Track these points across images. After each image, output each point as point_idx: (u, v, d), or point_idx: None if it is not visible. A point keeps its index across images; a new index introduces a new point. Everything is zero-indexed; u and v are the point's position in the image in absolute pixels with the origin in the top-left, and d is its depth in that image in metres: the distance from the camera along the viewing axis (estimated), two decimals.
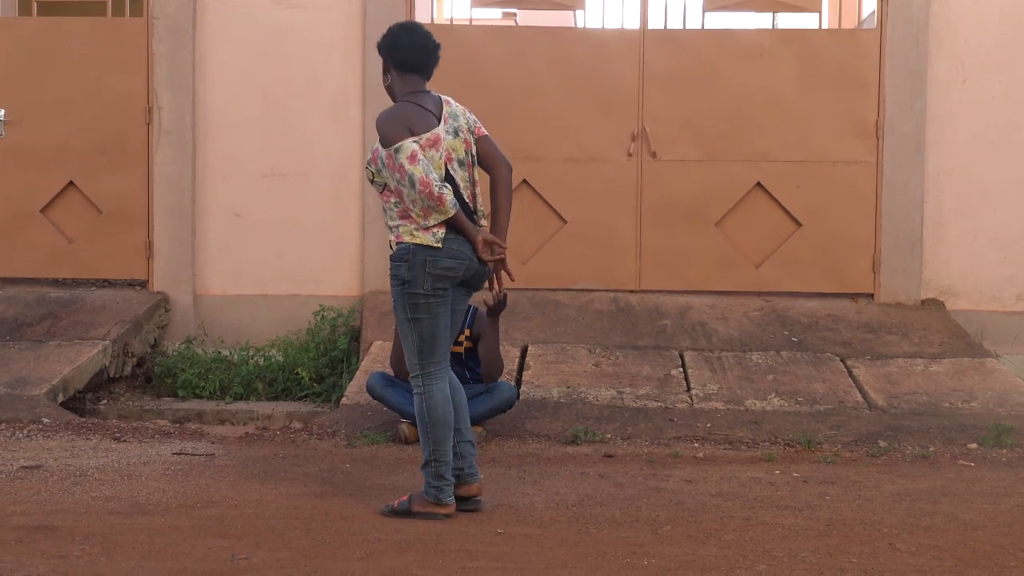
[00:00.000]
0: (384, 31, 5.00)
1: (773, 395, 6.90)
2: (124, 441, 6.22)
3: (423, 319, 4.66)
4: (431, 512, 4.68)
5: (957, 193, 8.46)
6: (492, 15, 12.86)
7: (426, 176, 4.54)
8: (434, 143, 4.64)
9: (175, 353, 8.21)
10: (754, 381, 7.12)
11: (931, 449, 6.12)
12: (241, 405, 7.60)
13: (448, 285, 4.67)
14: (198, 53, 8.56)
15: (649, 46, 8.55)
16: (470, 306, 6.10)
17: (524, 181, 8.57)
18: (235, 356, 8.13)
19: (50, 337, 7.72)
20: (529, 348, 7.61)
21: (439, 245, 4.60)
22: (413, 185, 4.54)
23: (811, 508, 4.91)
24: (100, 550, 4.13)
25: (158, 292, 8.52)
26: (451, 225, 4.63)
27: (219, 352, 8.17)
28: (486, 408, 6.13)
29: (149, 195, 8.55)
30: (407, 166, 4.55)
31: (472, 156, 4.83)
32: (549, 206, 8.60)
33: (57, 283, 8.67)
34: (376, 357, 7.43)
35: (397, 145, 4.59)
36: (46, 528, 4.41)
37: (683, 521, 4.67)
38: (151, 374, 8.13)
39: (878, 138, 8.45)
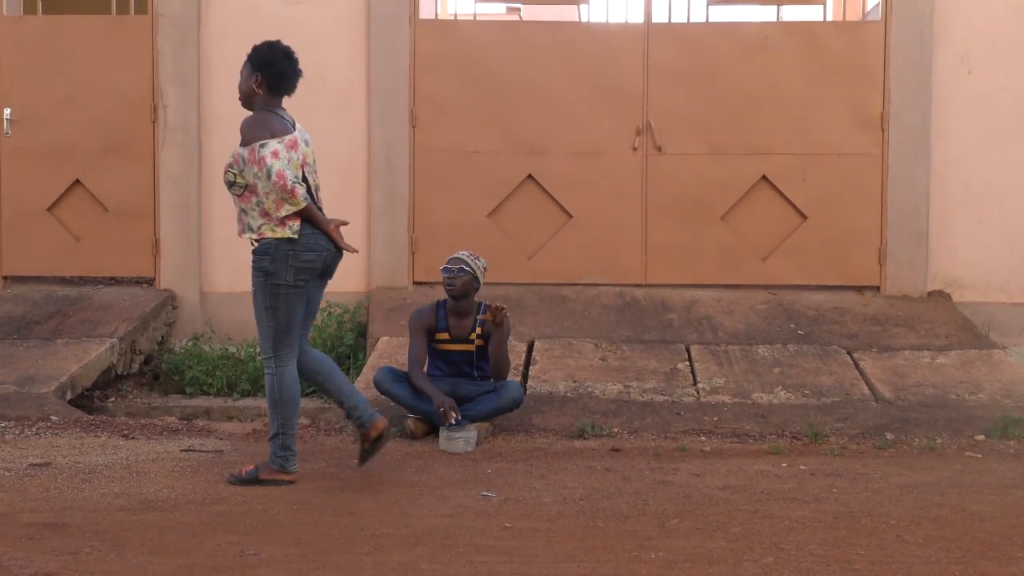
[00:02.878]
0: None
1: (780, 388, 6.90)
2: (132, 438, 6.24)
3: (280, 308, 5.12)
4: (277, 479, 5.16)
5: (963, 185, 8.45)
6: (496, 9, 12.85)
7: (283, 170, 4.99)
8: (293, 146, 5.11)
9: (182, 350, 8.23)
10: (761, 374, 7.12)
11: (938, 441, 6.11)
12: (249, 402, 7.63)
13: (309, 277, 5.16)
14: (203, 50, 8.58)
15: (653, 40, 8.55)
16: (480, 303, 6.13)
17: (529, 176, 8.58)
18: (242, 353, 8.14)
19: (58, 335, 7.74)
20: (536, 343, 7.62)
21: (296, 236, 5.05)
22: (269, 177, 4.98)
23: (818, 501, 4.91)
24: (110, 547, 4.15)
25: (165, 289, 8.54)
26: (305, 219, 5.08)
27: (226, 349, 8.19)
28: (492, 407, 6.14)
29: (155, 192, 8.57)
30: (268, 159, 4.99)
31: (314, 167, 5.32)
32: (554, 201, 8.60)
33: (64, 281, 8.69)
34: (383, 353, 7.44)
35: (262, 142, 5.03)
36: (56, 525, 4.43)
37: (690, 514, 4.67)
38: (159, 371, 8.16)
39: (883, 130, 8.44)
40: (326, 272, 5.31)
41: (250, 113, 5.23)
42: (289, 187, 4.97)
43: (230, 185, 5.14)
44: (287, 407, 5.16)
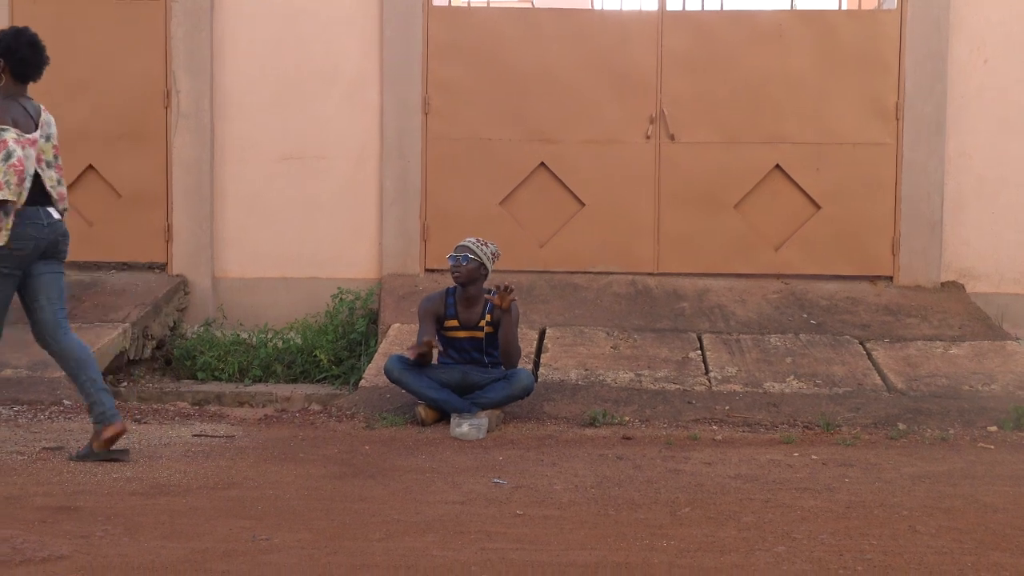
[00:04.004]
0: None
1: (792, 377, 6.88)
2: (145, 423, 6.25)
3: None
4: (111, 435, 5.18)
5: (977, 175, 8.42)
6: None
7: (24, 159, 4.97)
8: (32, 143, 5.09)
9: (194, 336, 8.24)
10: (773, 364, 7.10)
11: (951, 432, 6.09)
12: (260, 387, 7.64)
13: (15, 265, 5.09)
14: (216, 36, 8.58)
15: (667, 27, 8.52)
16: (491, 290, 6.12)
17: (542, 164, 8.57)
18: (254, 339, 8.16)
19: (71, 320, 7.67)
20: (547, 331, 7.62)
21: (8, 228, 5.00)
22: (7, 159, 4.93)
23: (830, 490, 4.90)
24: (122, 530, 4.16)
25: (177, 275, 8.56)
26: (19, 210, 5.01)
27: (238, 335, 8.21)
28: (503, 395, 6.14)
29: (168, 178, 8.59)
30: (11, 143, 4.97)
31: (59, 160, 5.28)
32: (567, 189, 8.59)
33: (77, 266, 8.68)
34: (394, 340, 7.44)
35: (4, 127, 5.00)
36: (69, 509, 4.44)
37: (702, 503, 4.66)
38: (171, 357, 8.17)
39: (898, 120, 8.40)
40: (55, 255, 5.25)
41: None
42: (24, 177, 4.95)
43: None
44: None
